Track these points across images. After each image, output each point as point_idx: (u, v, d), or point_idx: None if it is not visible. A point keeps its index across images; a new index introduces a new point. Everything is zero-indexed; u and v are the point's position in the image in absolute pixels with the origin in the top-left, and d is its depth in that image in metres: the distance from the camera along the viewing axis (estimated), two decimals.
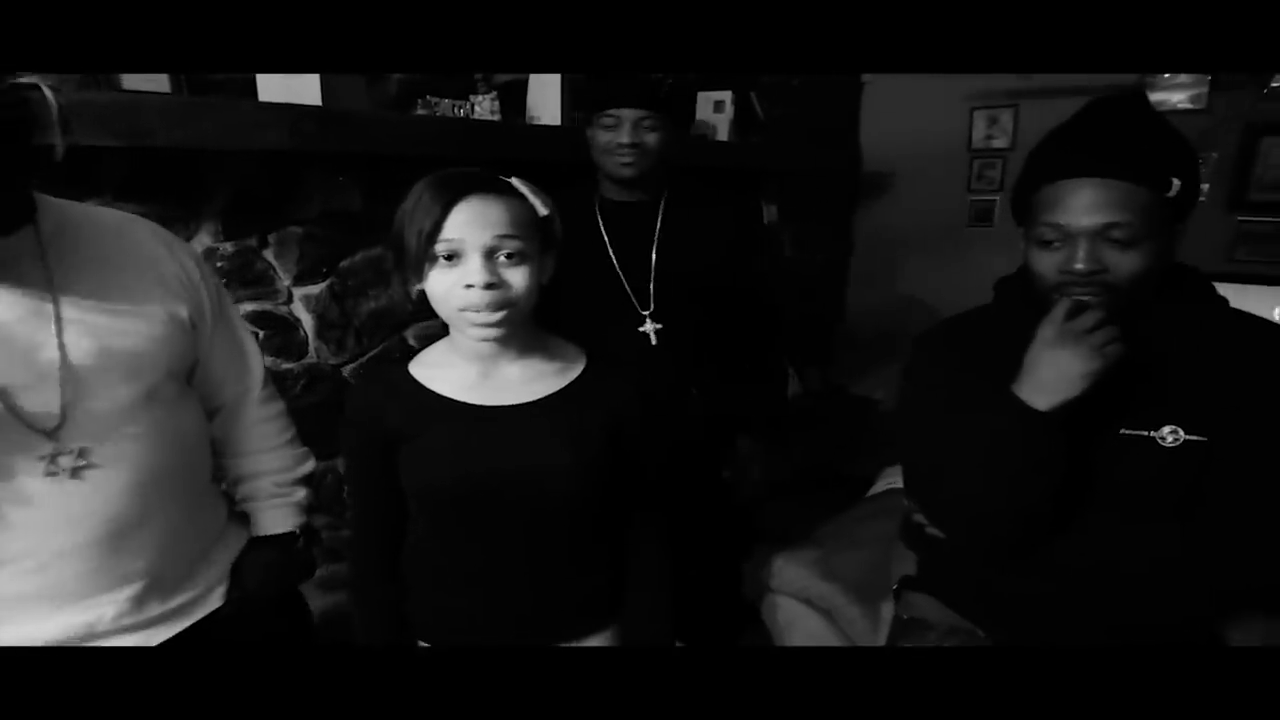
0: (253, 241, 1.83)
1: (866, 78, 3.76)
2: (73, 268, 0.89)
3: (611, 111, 1.59)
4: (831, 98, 3.65)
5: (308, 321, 1.96)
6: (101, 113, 1.34)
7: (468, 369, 1.00)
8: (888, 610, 1.28)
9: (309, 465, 1.20)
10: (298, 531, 1.15)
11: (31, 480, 0.85)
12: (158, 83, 1.53)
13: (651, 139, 1.60)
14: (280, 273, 1.89)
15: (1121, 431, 0.98)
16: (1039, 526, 1.00)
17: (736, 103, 2.71)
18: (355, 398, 1.05)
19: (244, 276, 1.82)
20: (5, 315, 0.84)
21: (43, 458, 0.85)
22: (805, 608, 1.76)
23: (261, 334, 1.86)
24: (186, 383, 1.04)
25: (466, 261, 0.90)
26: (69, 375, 0.86)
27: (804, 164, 3.32)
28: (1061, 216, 0.94)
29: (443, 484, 0.98)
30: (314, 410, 1.92)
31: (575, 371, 1.03)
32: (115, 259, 0.93)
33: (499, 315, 0.91)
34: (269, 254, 1.87)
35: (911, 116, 3.64)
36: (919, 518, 1.15)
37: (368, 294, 2.05)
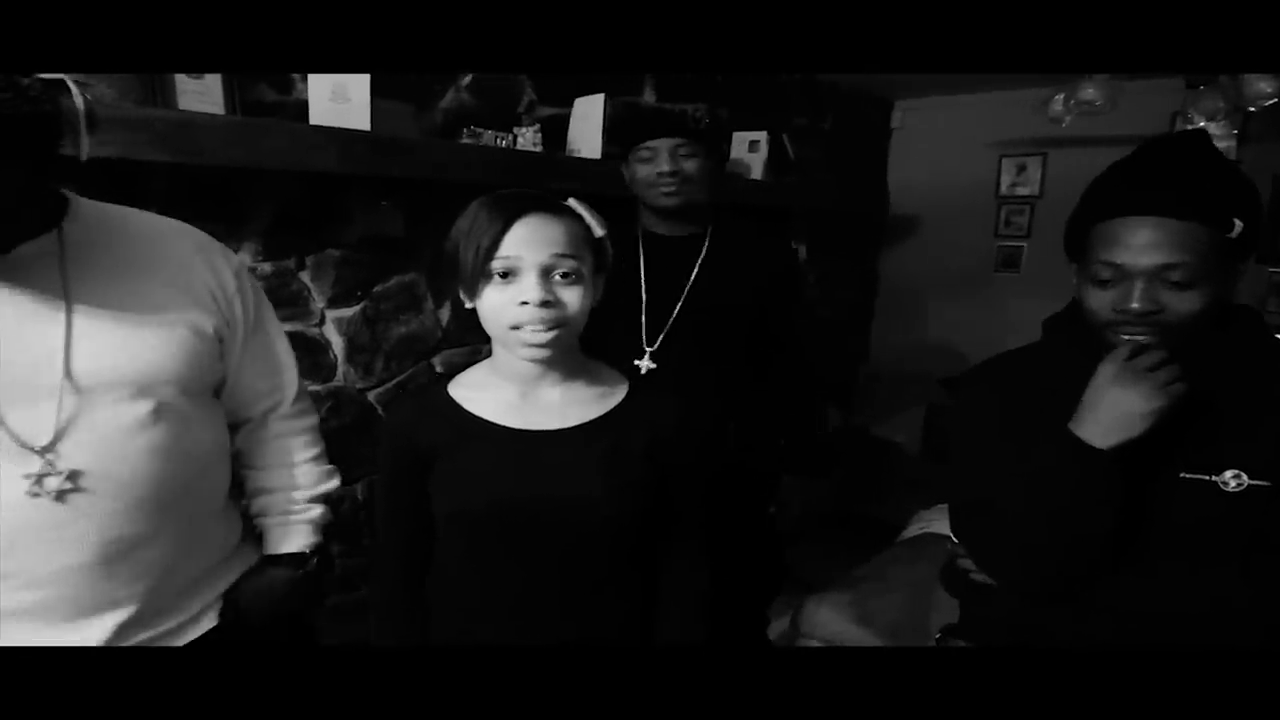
0: (290, 263, 1.85)
1: (896, 123, 3.80)
2: (93, 275, 0.85)
3: (648, 144, 1.60)
4: (861, 141, 3.68)
5: (338, 344, 1.97)
6: (162, 130, 1.36)
7: (508, 391, 0.99)
8: None
9: (331, 483, 1.15)
10: (309, 551, 1.10)
11: (15, 498, 0.80)
12: (213, 103, 1.56)
13: (690, 165, 1.60)
14: (315, 294, 1.90)
15: (1182, 475, 0.96)
16: (1094, 570, 0.98)
17: (771, 143, 2.73)
18: (393, 415, 1.04)
19: (279, 297, 1.83)
20: (12, 322, 0.81)
21: (28, 476, 0.80)
22: None
23: None
24: (214, 396, 1.00)
25: (522, 279, 0.89)
26: (70, 391, 0.82)
27: (832, 204, 3.33)
28: (1118, 255, 0.93)
29: (477, 508, 0.97)
30: (337, 434, 1.92)
31: (617, 398, 1.02)
32: (141, 267, 0.89)
33: (551, 335, 0.91)
34: (305, 275, 1.88)
35: (940, 162, 3.66)
36: (964, 562, 1.12)
37: (399, 319, 2.06)
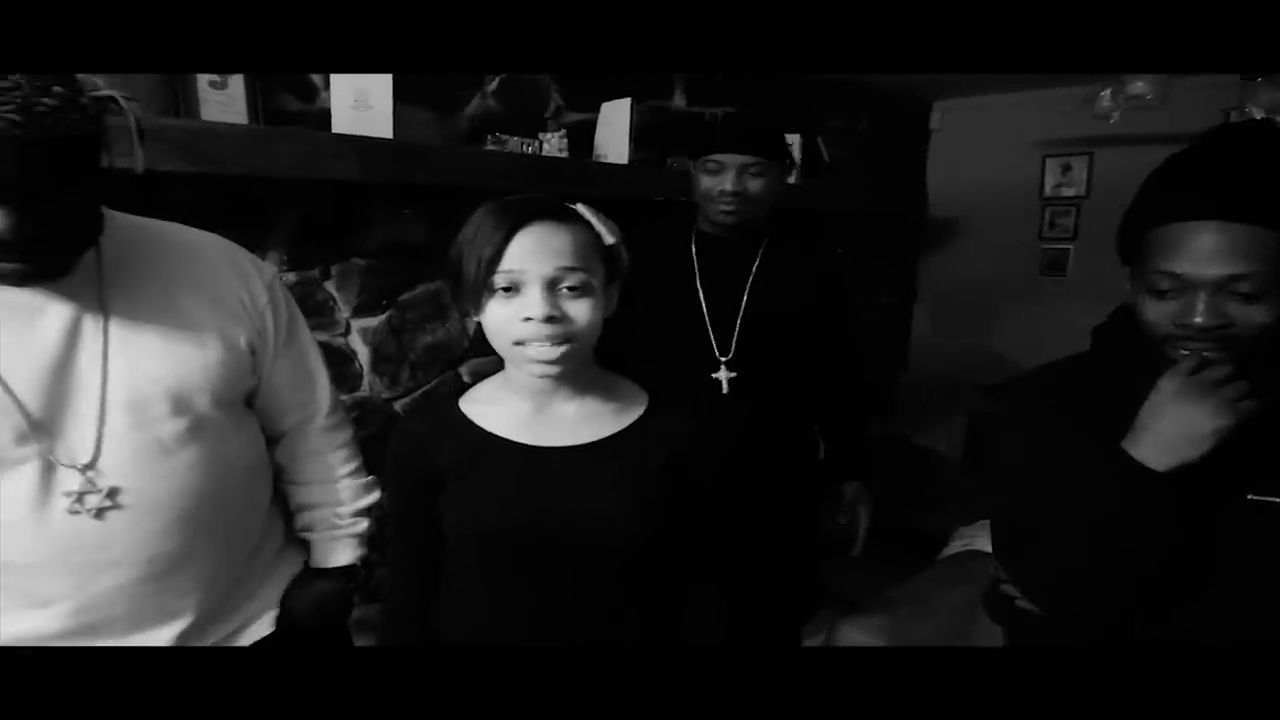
0: (315, 272, 1.84)
1: (934, 124, 3.70)
2: (129, 291, 0.86)
3: (716, 157, 1.52)
4: (898, 142, 3.59)
5: (364, 354, 1.95)
6: (179, 140, 1.35)
7: (521, 406, 0.94)
8: None
9: (373, 496, 1.15)
10: (358, 564, 1.11)
11: (57, 518, 0.81)
12: (236, 112, 1.55)
13: (755, 185, 1.52)
14: (340, 304, 1.89)
15: (1249, 497, 0.88)
16: (1151, 601, 0.90)
17: (804, 145, 2.67)
18: (402, 432, 1.00)
19: (304, 307, 1.78)
20: (52, 339, 0.81)
21: (69, 494, 0.81)
22: None
23: None
24: (247, 406, 1.00)
25: (526, 293, 0.84)
26: (109, 409, 0.83)
27: (868, 207, 3.25)
28: (1179, 264, 0.84)
29: (488, 527, 0.92)
30: (364, 445, 1.89)
31: (636, 413, 0.97)
32: (175, 281, 0.90)
33: (559, 351, 0.85)
34: (330, 285, 1.87)
35: (980, 163, 3.55)
36: (1008, 588, 1.04)
37: (425, 328, 2.04)
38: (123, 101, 0.79)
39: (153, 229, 0.93)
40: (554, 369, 0.87)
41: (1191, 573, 0.89)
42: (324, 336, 1.87)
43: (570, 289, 0.86)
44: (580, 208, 0.91)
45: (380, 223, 1.87)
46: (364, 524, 1.13)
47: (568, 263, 0.85)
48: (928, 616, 1.66)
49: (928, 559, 2.14)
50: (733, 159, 1.51)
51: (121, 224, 0.89)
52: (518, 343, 0.86)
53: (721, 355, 1.58)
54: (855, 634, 1.69)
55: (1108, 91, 2.33)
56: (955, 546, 2.08)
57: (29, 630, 0.84)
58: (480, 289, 0.86)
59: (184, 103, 1.50)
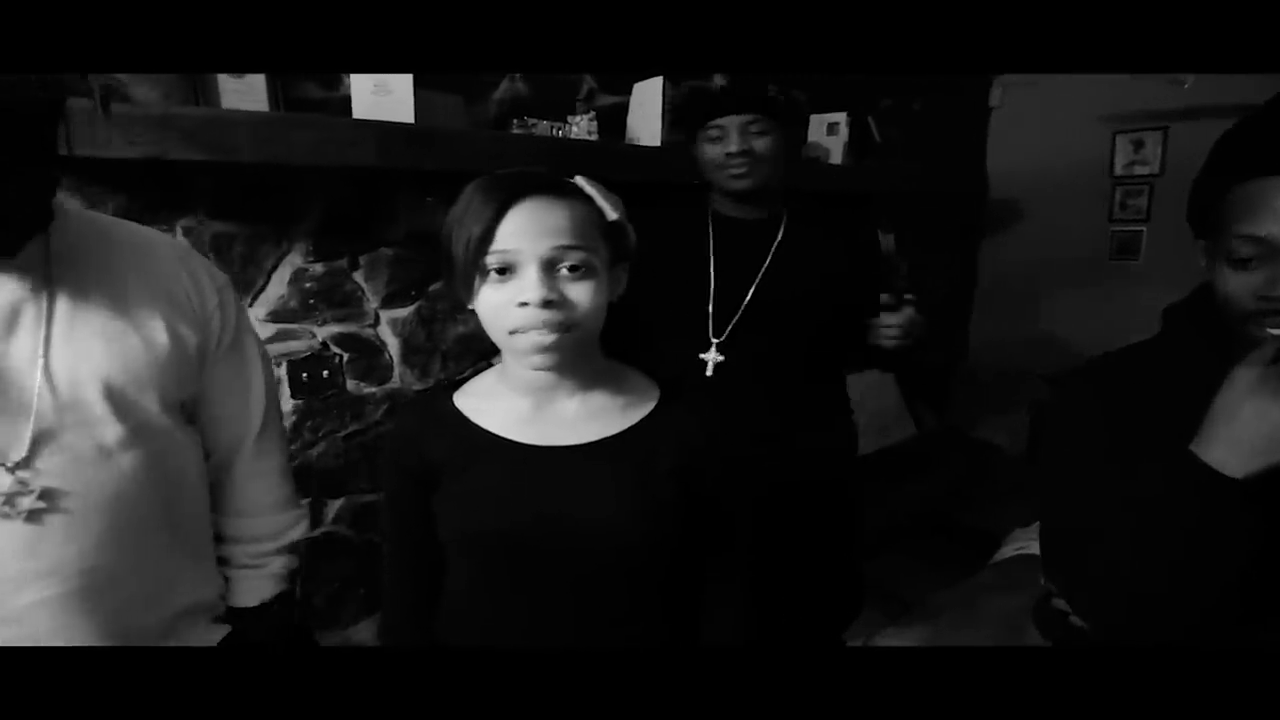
0: (343, 263, 1.81)
1: (995, 101, 3.51)
2: (75, 283, 0.80)
3: (716, 122, 1.47)
4: (955, 121, 3.41)
5: (393, 345, 1.92)
6: (189, 128, 1.32)
7: (519, 402, 0.87)
8: None
9: (297, 531, 1.06)
10: (270, 602, 1.03)
11: None
12: (256, 101, 1.52)
13: (761, 144, 1.46)
14: (369, 294, 1.86)
15: None
16: (1220, 623, 0.79)
17: (851, 125, 2.54)
18: (395, 428, 0.94)
19: (332, 298, 1.79)
20: None
21: None
22: None
23: (346, 357, 1.83)
24: (188, 419, 0.94)
25: (521, 275, 0.77)
26: (46, 403, 0.76)
27: (923, 189, 3.10)
28: (1265, 226, 0.73)
29: (483, 532, 0.86)
30: (382, 445, 1.87)
31: (645, 409, 0.89)
32: (127, 276, 0.84)
33: (558, 339, 0.78)
34: (359, 275, 1.84)
35: (1045, 140, 3.35)
36: (1060, 602, 0.94)
37: (455, 318, 2.00)
38: (92, 80, 0.74)
39: (105, 223, 0.88)
40: (553, 360, 0.80)
41: (1271, 595, 0.78)
42: (353, 328, 1.84)
43: (570, 270, 0.78)
44: (580, 180, 0.83)
45: (405, 211, 1.83)
46: (282, 561, 1.05)
47: (566, 241, 0.77)
48: (973, 626, 1.54)
49: (983, 558, 2.01)
50: (732, 120, 1.45)
51: (74, 216, 0.84)
52: (513, 331, 0.79)
53: (715, 337, 1.51)
54: (896, 643, 1.59)
55: None
56: (1008, 550, 1.94)
57: None
58: (471, 272, 0.79)
59: (203, 93, 1.48)
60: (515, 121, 1.91)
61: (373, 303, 1.87)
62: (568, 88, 2.12)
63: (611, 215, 0.83)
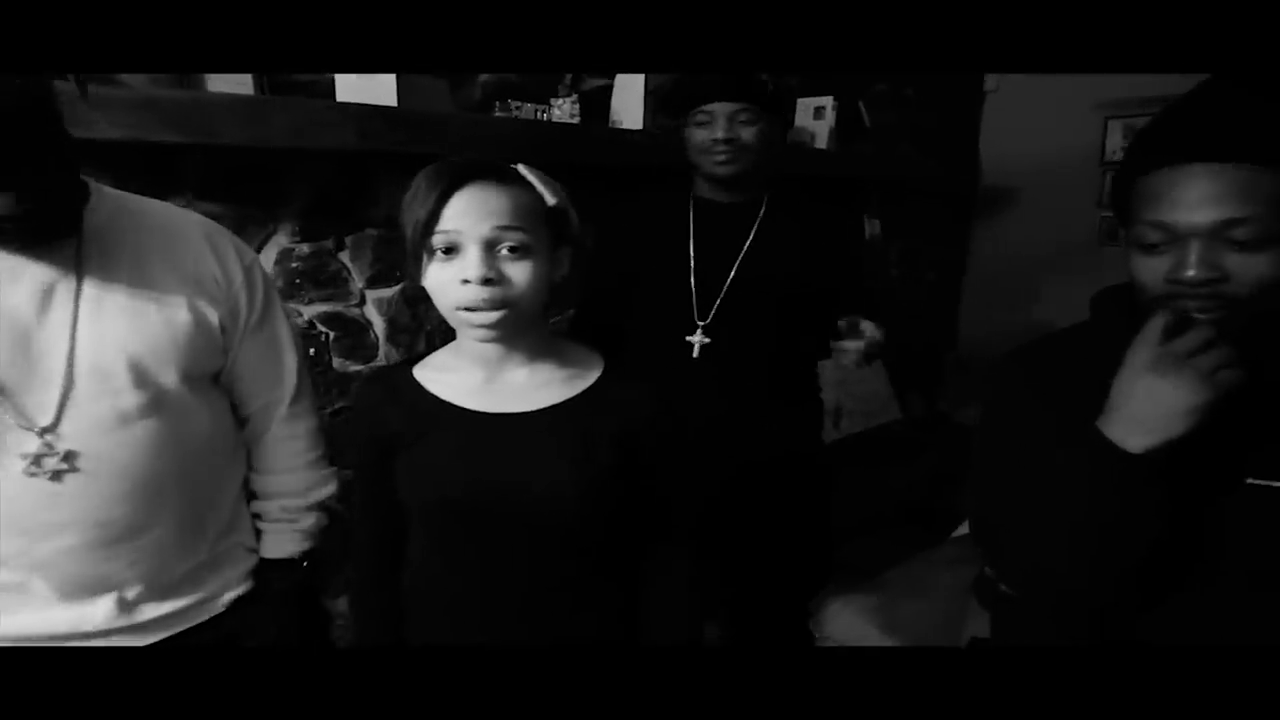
0: (329, 243, 1.85)
1: (989, 85, 3.52)
2: (105, 262, 0.87)
3: (705, 108, 1.49)
4: (949, 106, 3.42)
5: (379, 324, 1.96)
6: (171, 111, 1.36)
7: (472, 373, 0.93)
8: None
9: (327, 489, 1.14)
10: (298, 557, 1.10)
11: (13, 479, 0.83)
12: (241, 84, 1.56)
13: (748, 134, 1.48)
14: (354, 275, 1.90)
15: (1249, 481, 0.79)
16: (1131, 593, 0.83)
17: (839, 109, 2.56)
18: (358, 400, 0.99)
19: (318, 278, 1.84)
20: (23, 305, 0.82)
21: (26, 455, 0.82)
22: None
23: (332, 335, 1.88)
24: (214, 383, 1.01)
25: (465, 255, 0.83)
26: (73, 375, 0.84)
27: (913, 175, 3.11)
28: (1167, 213, 0.76)
29: (437, 494, 0.91)
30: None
31: (588, 380, 0.94)
32: (151, 255, 0.91)
33: (498, 315, 0.84)
34: (344, 256, 1.88)
35: (1038, 126, 3.36)
36: (992, 571, 0.98)
37: None
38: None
39: (135, 203, 0.94)
40: (493, 333, 0.86)
41: (1190, 562, 0.82)
42: (339, 307, 1.89)
43: (510, 250, 0.84)
44: (521, 168, 0.88)
45: (388, 193, 1.86)
46: (313, 518, 1.12)
47: (505, 222, 0.83)
48: (922, 597, 1.59)
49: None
50: (721, 107, 1.47)
51: (108, 196, 0.90)
52: (458, 307, 0.85)
53: (700, 320, 1.54)
54: (844, 612, 1.64)
55: None
56: (965, 527, 1.99)
57: None
58: (419, 251, 0.84)
59: (189, 77, 1.51)
60: (498, 104, 1.95)
61: (358, 282, 1.91)
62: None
63: (551, 200, 0.88)
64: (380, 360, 1.98)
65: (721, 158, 1.49)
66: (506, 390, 0.92)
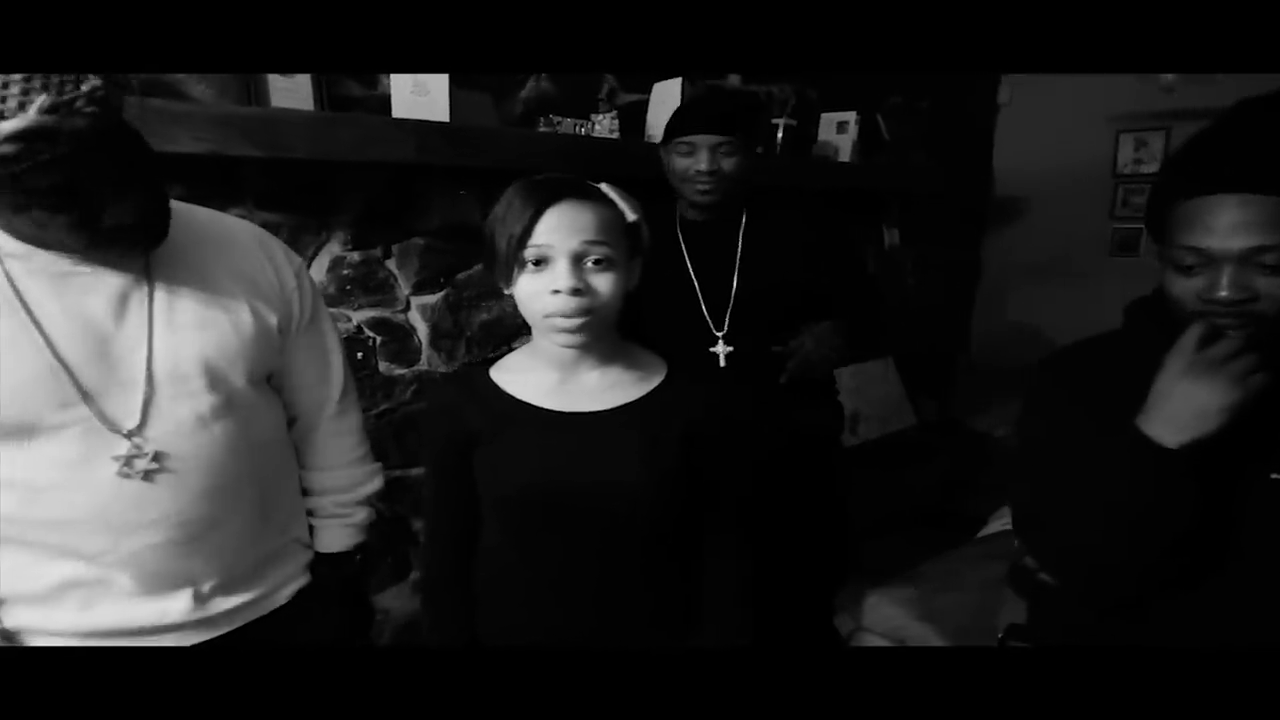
0: (377, 252, 1.93)
1: (1003, 98, 3.60)
2: (172, 270, 0.91)
3: (688, 139, 1.56)
4: (963, 119, 3.50)
5: (422, 330, 2.04)
6: (247, 126, 1.45)
7: (547, 375, 1.00)
8: None
9: (375, 484, 1.19)
10: (351, 551, 1.15)
11: (106, 480, 0.86)
12: (302, 99, 1.64)
13: (729, 164, 1.56)
14: (401, 282, 1.98)
15: (1272, 476, 0.87)
16: (1164, 579, 0.90)
17: (861, 123, 2.65)
18: (436, 399, 1.06)
19: (367, 284, 1.92)
20: (100, 313, 0.86)
21: (118, 458, 0.86)
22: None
23: (379, 340, 1.96)
24: (267, 383, 1.05)
25: (554, 267, 0.90)
26: (153, 380, 0.88)
27: (929, 187, 3.20)
28: (1203, 239, 0.84)
29: (516, 489, 0.98)
30: (421, 416, 2.00)
31: (654, 381, 1.02)
32: (213, 262, 0.95)
33: (583, 322, 0.90)
34: (391, 264, 1.96)
35: (1051, 139, 3.45)
36: (1030, 561, 1.06)
37: (481, 305, 2.12)
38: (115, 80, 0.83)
39: (193, 213, 0.98)
40: (578, 339, 0.93)
41: (1214, 552, 0.89)
42: (385, 313, 1.97)
43: (595, 263, 0.91)
44: (604, 186, 0.96)
45: (438, 204, 1.94)
46: (364, 513, 1.17)
47: (592, 237, 0.90)
48: (957, 589, 1.67)
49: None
50: (704, 139, 1.54)
51: (173, 211, 0.93)
52: (546, 314, 0.91)
53: (717, 331, 1.62)
54: (882, 604, 1.71)
55: None
56: (994, 526, 2.07)
57: (61, 577, 0.89)
58: (511, 263, 0.91)
59: (255, 92, 1.60)
60: (542, 120, 2.03)
61: (404, 289, 1.99)
62: (590, 86, 2.24)
63: (631, 216, 0.96)
64: (423, 365, 2.06)
65: (704, 187, 1.57)
66: (579, 391, 0.99)
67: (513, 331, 2.18)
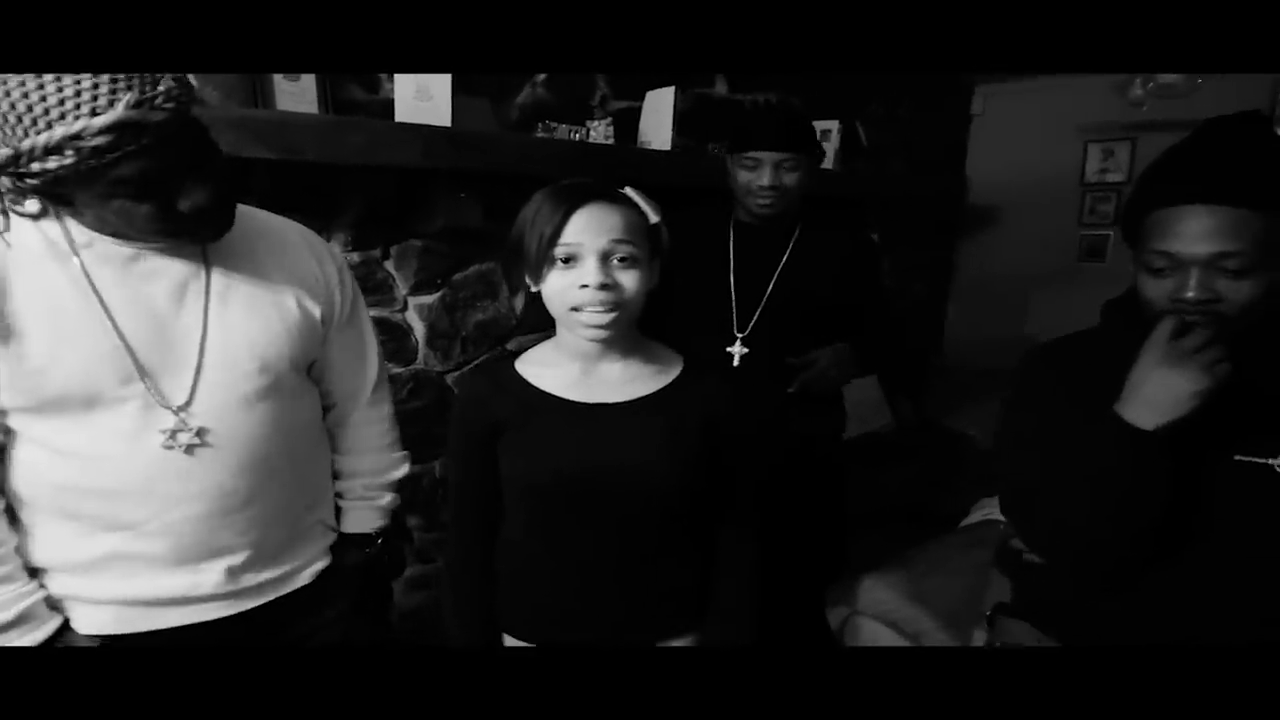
0: (376, 252, 1.97)
1: (976, 109, 3.72)
2: (228, 262, 0.98)
3: (753, 154, 1.62)
4: (939, 128, 3.61)
5: (419, 330, 2.08)
6: (259, 130, 1.48)
7: (570, 367, 1.05)
8: (979, 638, 1.26)
9: (402, 470, 1.26)
10: (374, 534, 1.22)
11: (152, 452, 0.92)
12: (308, 103, 1.68)
13: (791, 179, 1.62)
14: (399, 282, 2.02)
15: (1236, 458, 0.96)
16: (1143, 553, 0.98)
17: (842, 132, 2.73)
18: (463, 390, 1.12)
19: (365, 285, 1.95)
20: (161, 299, 0.93)
21: (164, 431, 0.93)
22: (890, 631, 1.74)
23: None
24: (307, 374, 1.11)
25: (583, 264, 0.96)
26: (204, 362, 0.95)
27: (906, 193, 3.30)
28: (1172, 244, 0.93)
29: (541, 477, 1.04)
30: (417, 414, 2.05)
31: (673, 374, 1.07)
32: (265, 257, 1.02)
33: (610, 316, 0.96)
34: (389, 264, 2.00)
35: (1022, 148, 3.57)
36: (1016, 542, 1.13)
37: (476, 306, 2.17)
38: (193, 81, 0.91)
39: (246, 211, 1.05)
40: (604, 332, 0.98)
41: (1184, 528, 0.97)
42: (384, 313, 2.00)
43: (621, 260, 0.97)
44: (628, 190, 1.02)
45: (439, 206, 1.99)
46: (389, 497, 1.24)
47: (619, 236, 0.96)
48: (946, 574, 1.75)
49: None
50: (769, 155, 1.60)
51: None
52: (575, 309, 0.97)
53: (739, 332, 1.68)
54: (877, 588, 1.78)
55: (1139, 79, 2.35)
56: (975, 516, 2.17)
57: (105, 549, 0.95)
58: (542, 261, 0.97)
59: (261, 95, 1.63)
60: (540, 125, 2.08)
61: (402, 290, 2.03)
62: (584, 93, 2.29)
63: (653, 218, 1.02)
64: (420, 364, 2.10)
65: (765, 201, 1.63)
66: (600, 383, 1.05)
67: (507, 332, 2.22)
